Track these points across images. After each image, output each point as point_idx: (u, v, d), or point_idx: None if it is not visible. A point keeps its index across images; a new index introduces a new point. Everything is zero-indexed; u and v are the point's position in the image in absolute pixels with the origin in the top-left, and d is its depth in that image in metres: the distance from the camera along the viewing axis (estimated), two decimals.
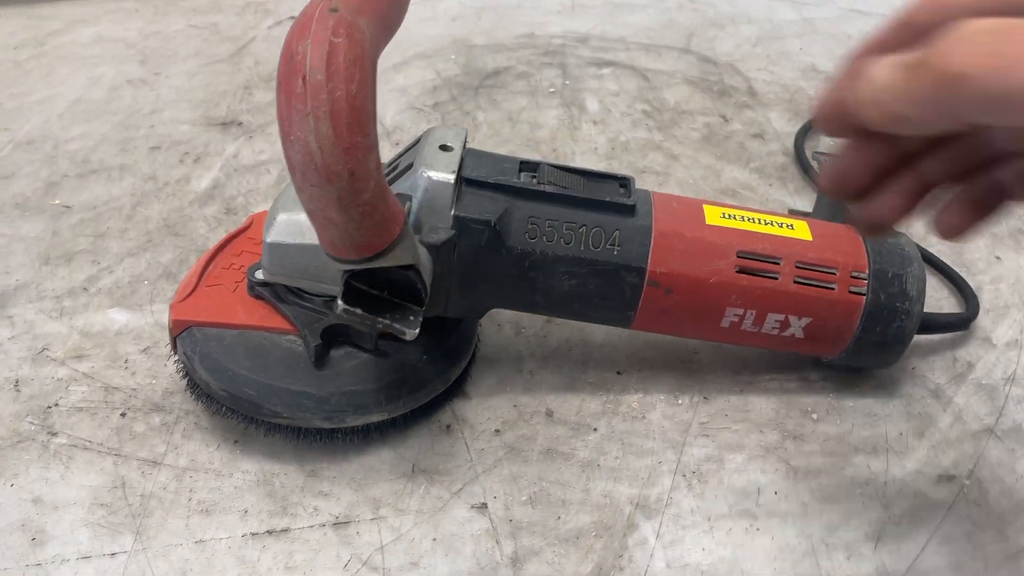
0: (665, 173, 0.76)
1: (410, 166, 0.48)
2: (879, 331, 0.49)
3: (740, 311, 0.49)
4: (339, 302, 0.43)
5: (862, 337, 0.49)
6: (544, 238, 0.48)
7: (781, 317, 0.49)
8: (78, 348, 0.60)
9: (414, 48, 0.98)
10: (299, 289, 0.51)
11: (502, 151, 0.79)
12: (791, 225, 0.50)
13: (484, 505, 0.47)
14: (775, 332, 0.50)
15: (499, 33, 1.01)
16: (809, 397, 0.53)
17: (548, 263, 0.48)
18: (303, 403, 0.48)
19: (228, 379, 0.49)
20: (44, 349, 0.60)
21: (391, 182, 0.48)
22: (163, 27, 1.09)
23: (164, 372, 0.58)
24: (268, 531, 0.47)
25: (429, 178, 0.46)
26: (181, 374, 0.53)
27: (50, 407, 0.56)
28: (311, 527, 0.47)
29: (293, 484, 0.50)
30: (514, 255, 0.48)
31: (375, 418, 0.50)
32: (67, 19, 1.14)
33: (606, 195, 0.48)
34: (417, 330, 0.44)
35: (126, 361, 0.59)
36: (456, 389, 0.54)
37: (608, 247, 0.48)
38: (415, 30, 1.03)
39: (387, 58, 0.97)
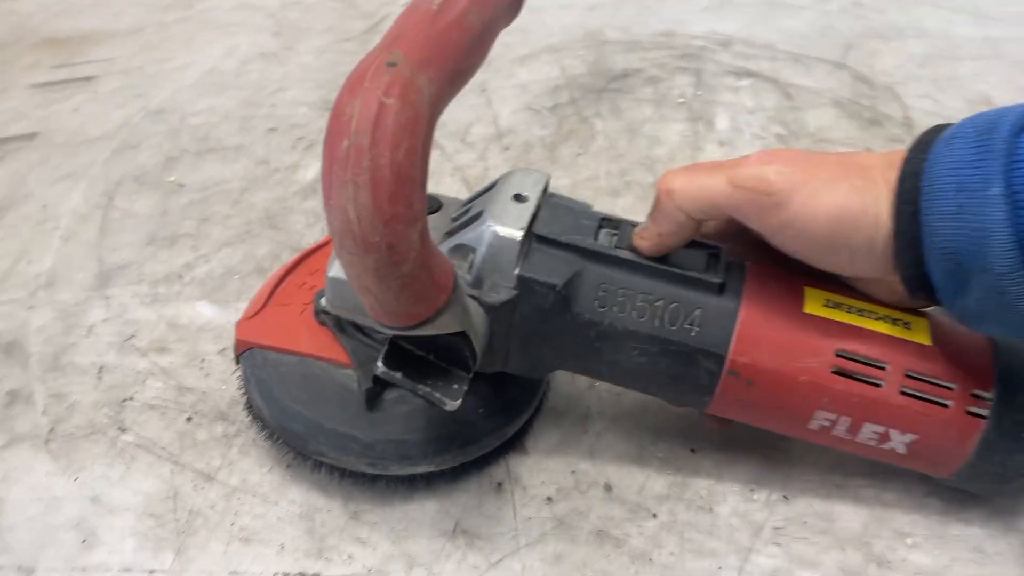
0: None
1: (479, 215, 0.44)
2: (998, 461, 0.42)
3: (832, 416, 0.43)
4: (379, 364, 0.41)
5: (976, 464, 0.42)
6: (615, 308, 0.43)
7: (881, 429, 0.43)
8: (162, 340, 0.61)
9: (544, 40, 0.94)
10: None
11: (615, 168, 0.74)
12: (908, 323, 0.43)
13: None
14: (872, 444, 0.43)
15: (636, 28, 0.95)
16: (907, 515, 0.46)
17: (617, 336, 0.44)
18: (349, 446, 0.47)
19: (279, 410, 0.48)
20: (132, 336, 0.62)
21: (459, 228, 0.45)
22: None
23: (234, 378, 0.58)
24: (300, 573, 0.46)
25: (495, 233, 0.43)
26: (241, 392, 0.53)
27: (125, 400, 0.57)
28: None
29: (334, 524, 0.48)
30: (580, 322, 0.44)
31: (421, 470, 0.48)
32: None
33: (691, 267, 0.43)
34: (459, 401, 0.41)
35: (203, 361, 0.59)
36: (514, 443, 0.51)
37: (685, 327, 0.43)
38: (549, 18, 0.98)
39: (513, 49, 0.93)
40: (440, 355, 0.42)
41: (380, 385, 0.48)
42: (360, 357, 0.49)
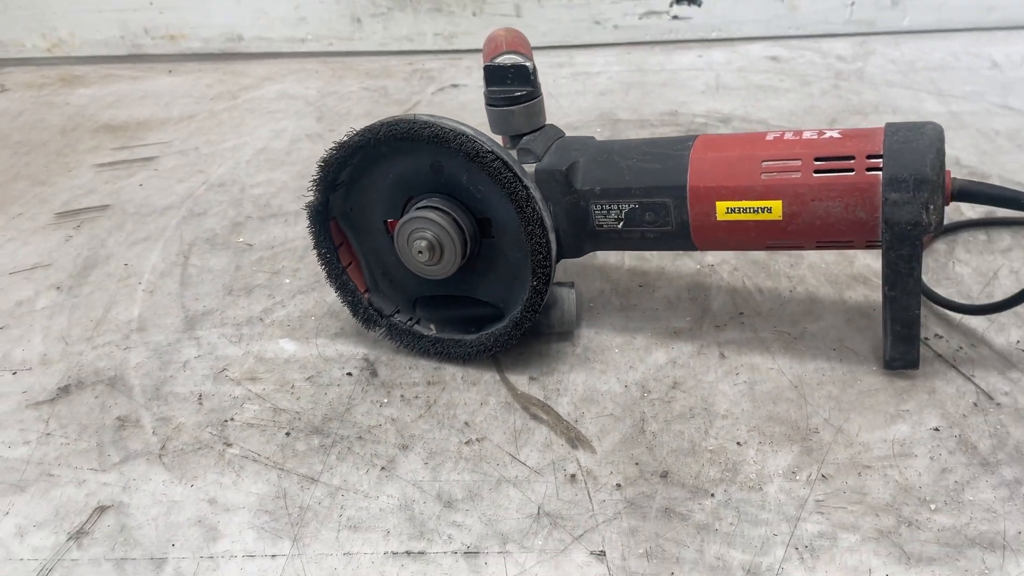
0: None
1: None
2: None
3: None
4: None
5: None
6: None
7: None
8: (252, 371, 0.68)
9: (563, 119, 1.05)
10: None
11: None
12: None
13: (603, 553, 0.51)
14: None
15: (644, 109, 1.07)
16: (928, 487, 0.54)
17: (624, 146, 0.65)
18: None
19: None
20: (224, 369, 0.69)
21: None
22: (339, 88, 1.21)
23: (324, 400, 0.65)
24: (407, 552, 0.52)
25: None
26: None
27: (227, 421, 0.63)
28: (444, 553, 0.52)
29: (431, 512, 0.55)
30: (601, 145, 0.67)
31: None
32: (257, 76, 1.28)
33: None
34: None
35: (292, 387, 0.66)
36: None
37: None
38: (565, 102, 1.10)
39: None
40: None
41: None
42: None
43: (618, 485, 0.56)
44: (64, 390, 0.68)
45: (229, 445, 0.61)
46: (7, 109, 1.23)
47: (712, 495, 0.55)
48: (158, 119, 1.15)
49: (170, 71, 1.32)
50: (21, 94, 1.29)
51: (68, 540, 0.55)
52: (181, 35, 1.34)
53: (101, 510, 0.57)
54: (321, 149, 1.05)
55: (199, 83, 1.27)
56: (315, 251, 0.68)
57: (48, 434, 0.63)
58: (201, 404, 0.65)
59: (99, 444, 0.62)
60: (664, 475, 0.56)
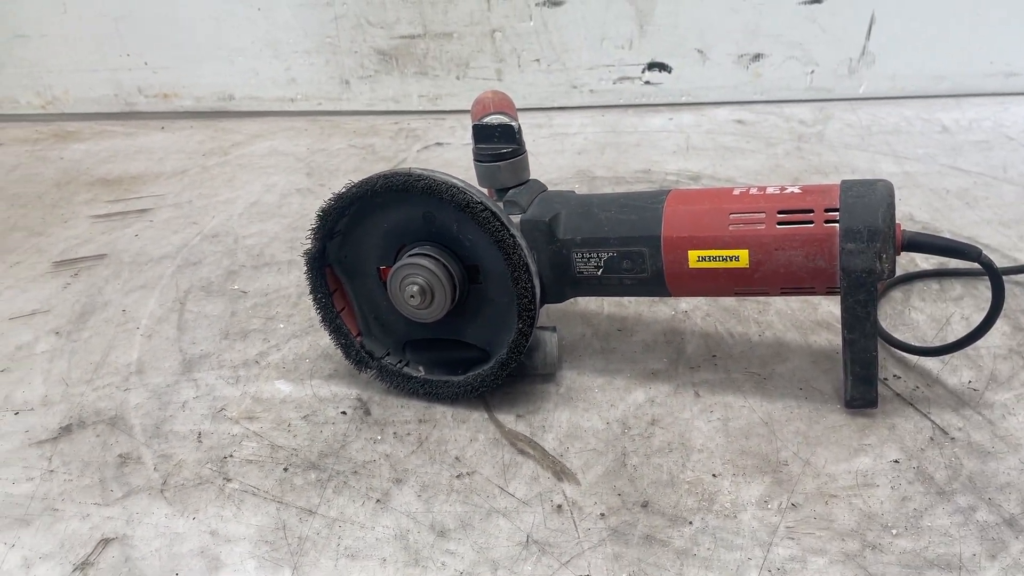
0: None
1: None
2: None
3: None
4: None
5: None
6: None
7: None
8: (250, 411, 0.71)
9: (543, 176, 1.10)
10: None
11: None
12: None
13: None
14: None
15: (619, 167, 1.13)
16: (890, 515, 0.58)
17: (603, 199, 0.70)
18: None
19: None
20: (222, 409, 0.72)
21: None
22: (327, 145, 1.26)
23: (320, 436, 0.68)
24: None
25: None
26: None
27: (226, 457, 0.66)
28: None
29: (424, 541, 0.58)
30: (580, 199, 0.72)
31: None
32: (247, 133, 1.33)
33: None
34: None
35: (289, 425, 0.69)
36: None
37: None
38: (545, 160, 1.16)
39: None
40: None
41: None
42: None
43: (602, 514, 0.59)
44: (66, 429, 0.70)
45: (229, 480, 0.64)
46: (1, 163, 1.27)
47: (690, 523, 0.58)
48: (152, 173, 1.19)
49: (163, 128, 1.37)
50: (15, 148, 1.32)
51: (74, 571, 0.57)
52: (174, 94, 1.39)
53: (105, 542, 0.59)
54: (311, 203, 1.11)
55: (191, 139, 1.31)
56: (311, 297, 0.71)
57: (51, 471, 0.66)
58: (201, 442, 0.68)
59: (101, 480, 0.64)
60: (645, 505, 0.60)
